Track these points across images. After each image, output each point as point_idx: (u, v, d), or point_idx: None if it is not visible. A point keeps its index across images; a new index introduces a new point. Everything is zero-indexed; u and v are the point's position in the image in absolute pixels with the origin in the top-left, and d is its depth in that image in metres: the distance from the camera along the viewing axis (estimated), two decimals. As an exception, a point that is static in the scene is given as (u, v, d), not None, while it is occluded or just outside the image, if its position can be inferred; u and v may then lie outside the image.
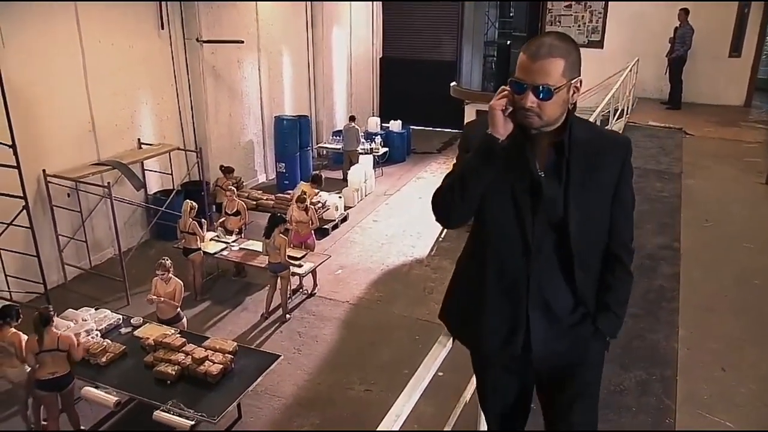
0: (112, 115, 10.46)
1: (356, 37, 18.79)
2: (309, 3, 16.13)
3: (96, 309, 7.66)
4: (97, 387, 6.28)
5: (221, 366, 6.39)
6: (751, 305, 4.59)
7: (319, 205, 11.85)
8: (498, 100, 1.97)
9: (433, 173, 16.07)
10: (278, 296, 8.97)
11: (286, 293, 9.00)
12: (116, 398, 6.17)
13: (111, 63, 10.27)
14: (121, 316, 7.56)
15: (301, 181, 12.14)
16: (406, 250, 11.42)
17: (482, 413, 2.61)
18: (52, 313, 6.15)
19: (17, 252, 8.67)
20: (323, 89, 17.27)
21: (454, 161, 2.27)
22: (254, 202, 12.40)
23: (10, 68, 7.88)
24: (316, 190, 11.70)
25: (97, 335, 7.03)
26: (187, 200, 9.39)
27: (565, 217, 2.02)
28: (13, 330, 6.16)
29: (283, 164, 14.21)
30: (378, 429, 2.25)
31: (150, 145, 11.19)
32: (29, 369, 6.22)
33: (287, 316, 8.98)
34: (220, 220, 10.50)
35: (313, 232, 10.32)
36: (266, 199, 12.34)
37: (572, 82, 1.93)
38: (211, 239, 9.91)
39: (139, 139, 11.11)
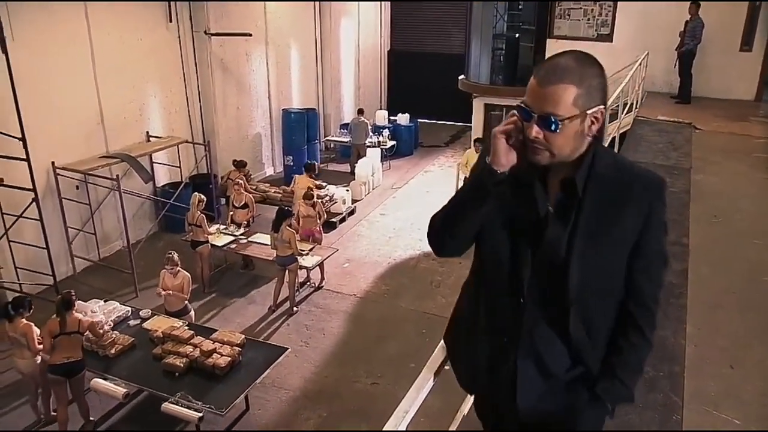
0: (120, 108, 10.50)
1: (364, 29, 18.73)
2: (317, -5, 16.12)
3: (105, 301, 7.72)
4: (106, 379, 6.34)
5: (229, 358, 6.44)
6: (759, 302, 4.58)
7: (327, 198, 11.87)
8: (504, 126, 1.74)
9: (441, 167, 16.04)
10: (286, 289, 9.01)
11: (294, 286, 9.03)
12: (125, 390, 6.22)
13: (119, 56, 10.29)
14: (129, 308, 7.62)
15: (295, 176, 12.04)
16: (414, 243, 11.43)
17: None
18: (74, 297, 6.30)
19: (27, 244, 8.73)
20: (331, 82, 17.25)
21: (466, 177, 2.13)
22: (262, 195, 12.41)
23: (20, 61, 7.90)
24: (317, 181, 11.68)
25: (109, 326, 7.08)
26: (196, 193, 9.43)
27: (565, 265, 1.78)
28: (25, 321, 6.21)
29: (291, 157, 14.22)
30: (387, 424, 2.27)
31: (158, 137, 11.22)
32: (39, 360, 6.28)
33: (294, 309, 9.01)
34: (230, 214, 10.54)
35: (320, 225, 10.34)
36: (274, 192, 12.36)
37: (589, 112, 1.67)
38: (219, 232, 9.94)
39: (147, 132, 11.14)
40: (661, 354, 3.73)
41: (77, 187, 9.73)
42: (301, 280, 9.56)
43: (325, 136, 17.01)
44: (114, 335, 6.88)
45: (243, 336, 6.99)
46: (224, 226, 10.20)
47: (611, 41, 12.92)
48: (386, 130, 16.45)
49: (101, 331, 6.58)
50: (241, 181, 10.54)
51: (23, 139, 7.77)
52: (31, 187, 8.08)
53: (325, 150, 16.87)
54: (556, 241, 1.79)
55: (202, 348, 6.54)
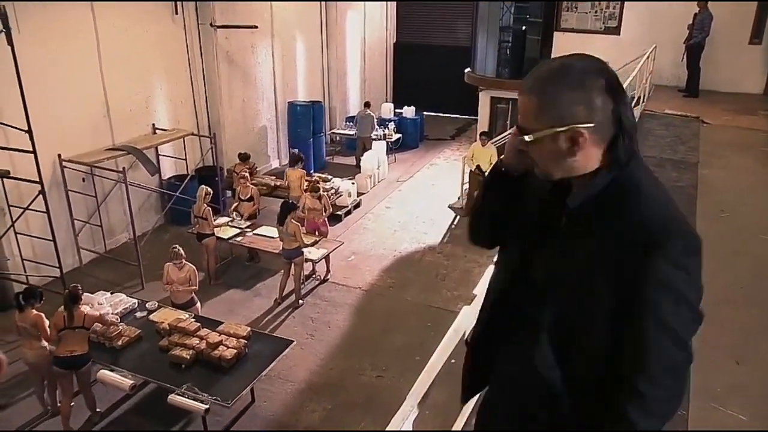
0: (126, 100, 10.51)
1: (370, 22, 18.67)
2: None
3: (111, 293, 7.76)
4: (112, 370, 6.37)
5: (235, 351, 6.46)
6: (766, 298, 4.56)
7: (332, 191, 11.87)
8: None
9: (447, 160, 16.01)
10: (291, 282, 9.02)
11: (300, 279, 9.05)
12: (132, 381, 6.26)
13: (125, 48, 10.29)
14: (136, 301, 7.65)
15: (286, 169, 11.93)
16: (419, 236, 11.43)
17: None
18: (80, 291, 6.33)
19: (34, 236, 8.78)
20: (337, 75, 17.22)
21: None
22: (267, 188, 12.41)
23: (26, 53, 7.91)
24: (303, 170, 11.64)
25: (116, 318, 7.12)
26: (202, 185, 9.43)
27: (541, 287, 1.64)
28: (35, 311, 6.24)
29: (296, 150, 14.19)
30: (395, 417, 2.28)
31: (164, 130, 11.23)
32: (49, 349, 6.32)
33: (300, 301, 9.03)
34: (234, 206, 10.56)
35: (326, 218, 10.35)
36: (280, 186, 12.36)
37: (559, 130, 1.46)
38: (225, 224, 9.97)
39: (153, 124, 11.15)
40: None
41: (83, 180, 9.76)
42: (306, 272, 9.58)
43: (330, 129, 16.99)
44: (121, 327, 6.92)
45: (249, 328, 7.02)
46: (231, 219, 10.22)
47: (618, 34, 12.86)
48: (392, 122, 16.42)
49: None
50: (246, 174, 10.55)
51: (30, 132, 7.79)
52: (37, 179, 8.10)
53: (330, 143, 16.86)
54: (542, 259, 1.65)
55: (209, 340, 6.57)
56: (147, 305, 7.53)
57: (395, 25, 20.31)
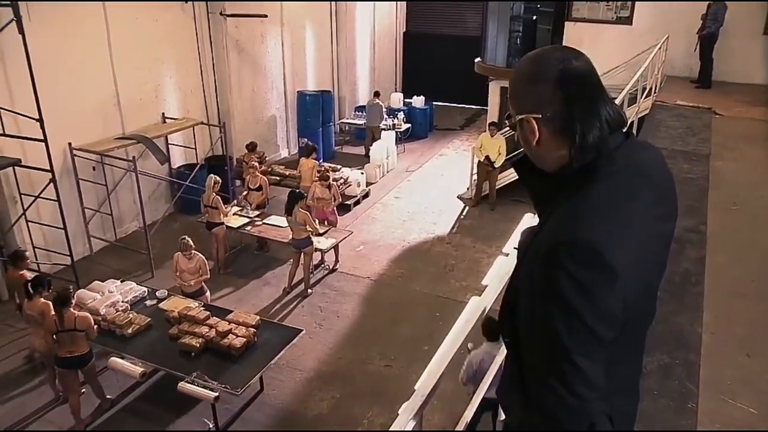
0: (136, 89, 10.53)
1: (380, 11, 18.57)
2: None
3: (122, 281, 7.81)
4: (123, 357, 6.43)
5: (244, 339, 6.50)
6: (777, 291, 4.53)
7: (341, 181, 11.87)
8: None
9: (456, 150, 15.96)
10: (300, 271, 9.05)
11: (309, 268, 9.08)
12: (142, 369, 6.31)
13: (135, 37, 10.30)
14: (146, 289, 7.70)
15: (301, 159, 11.92)
16: (428, 227, 11.42)
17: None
18: (70, 292, 6.20)
19: (44, 224, 8.84)
20: (346, 64, 17.17)
21: None
22: (277, 178, 12.44)
23: (36, 42, 7.92)
24: (325, 164, 11.66)
25: (126, 307, 7.17)
26: (211, 175, 9.46)
27: (513, 282, 1.67)
28: (43, 300, 6.29)
29: (306, 139, 14.18)
30: (404, 406, 2.29)
31: (174, 119, 11.25)
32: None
33: (309, 291, 9.06)
34: (243, 194, 10.59)
35: (335, 208, 10.36)
36: (289, 175, 12.38)
37: (518, 118, 1.52)
38: (234, 213, 10.00)
39: (163, 113, 11.17)
40: (677, 341, 3.71)
41: (94, 168, 9.81)
42: (315, 262, 9.61)
43: (339, 119, 16.97)
44: (131, 315, 6.97)
45: (258, 317, 7.06)
46: (240, 208, 10.25)
47: (631, 24, 12.71)
48: (401, 112, 16.38)
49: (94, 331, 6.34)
50: (256, 164, 10.56)
51: (40, 120, 7.82)
52: (48, 167, 8.14)
53: (339, 132, 16.84)
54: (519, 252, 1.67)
55: (218, 329, 6.61)
56: (157, 293, 7.59)
57: (405, 15, 20.19)
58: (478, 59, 14.27)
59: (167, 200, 11.35)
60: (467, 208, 12.21)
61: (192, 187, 10.52)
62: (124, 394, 6.87)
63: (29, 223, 8.72)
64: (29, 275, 6.95)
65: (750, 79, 11.77)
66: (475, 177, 12.42)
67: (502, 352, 1.95)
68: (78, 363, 6.18)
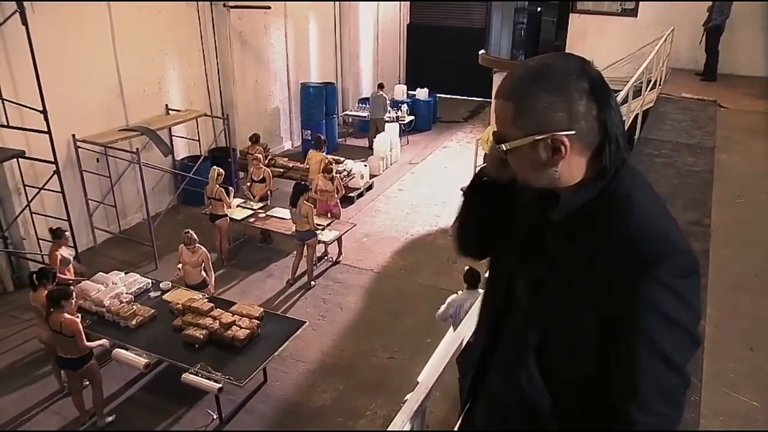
0: (139, 81, 10.52)
1: (383, 2, 18.51)
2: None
3: (126, 273, 7.83)
4: (127, 349, 6.45)
5: (248, 331, 6.52)
6: (781, 284, 4.52)
7: (345, 172, 11.87)
8: None
9: (459, 142, 15.94)
10: (304, 263, 9.07)
11: (312, 261, 9.09)
12: (146, 360, 6.33)
13: (139, 29, 10.29)
14: (150, 281, 7.72)
15: (310, 151, 11.91)
16: (431, 219, 11.42)
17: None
18: (65, 293, 5.98)
19: (49, 216, 8.85)
20: (350, 56, 17.12)
21: None
22: (281, 170, 12.43)
23: (40, 34, 7.92)
24: (328, 155, 11.66)
25: (130, 298, 7.20)
26: (215, 167, 9.46)
27: (528, 309, 1.54)
28: (47, 293, 6.30)
29: (309, 131, 14.18)
30: (408, 397, 2.30)
31: (177, 111, 11.25)
32: None
33: (312, 283, 9.08)
34: (247, 185, 10.60)
35: (338, 200, 10.36)
36: (292, 167, 12.38)
37: (538, 138, 1.34)
38: (237, 206, 10.01)
39: (166, 105, 11.17)
40: (681, 335, 3.71)
41: (98, 160, 9.82)
42: (318, 254, 9.62)
43: (343, 111, 16.94)
44: (135, 307, 6.99)
45: (262, 309, 7.08)
46: (243, 200, 10.26)
47: (636, 16, 12.63)
48: (405, 104, 16.34)
49: (82, 341, 5.95)
50: (260, 156, 10.56)
51: (44, 112, 7.83)
52: (52, 159, 8.16)
53: (343, 124, 16.82)
54: (525, 278, 1.54)
55: (222, 320, 6.63)
56: (161, 285, 7.61)
57: (409, 6, 20.12)
58: (482, 51, 14.21)
59: (171, 192, 11.36)
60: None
61: (195, 179, 10.53)
62: (129, 385, 6.90)
63: (33, 215, 8.73)
64: (66, 252, 7.21)
65: (756, 71, 11.69)
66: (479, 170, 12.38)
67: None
68: (72, 365, 6.05)
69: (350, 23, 16.76)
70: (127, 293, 7.24)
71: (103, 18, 9.65)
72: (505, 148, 1.38)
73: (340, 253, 9.87)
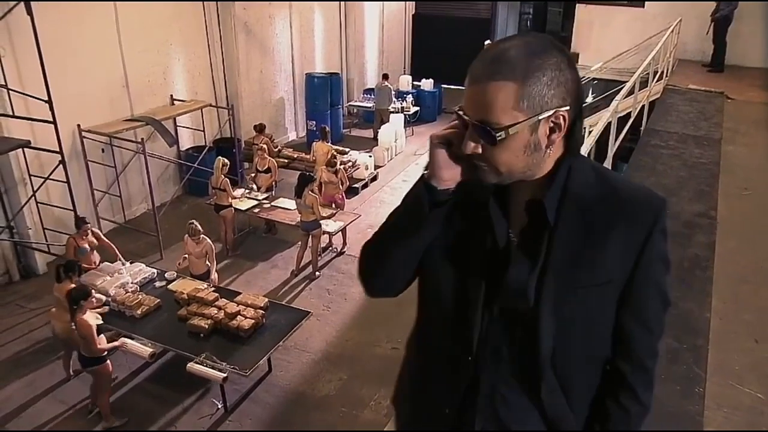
0: (144, 71, 10.51)
1: (389, -7, 18.44)
2: (342, -43, 15.85)
3: (131, 263, 7.85)
4: (132, 338, 6.48)
5: (253, 321, 6.54)
6: (787, 277, 4.51)
7: (349, 163, 11.85)
8: (443, 131, 1.38)
9: (464, 134, 15.86)
10: (308, 254, 9.08)
11: (317, 251, 9.10)
12: (152, 349, 6.35)
13: (144, 18, 10.26)
14: (155, 270, 7.74)
15: (314, 143, 11.89)
16: (435, 211, 11.38)
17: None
18: (80, 293, 5.88)
19: (54, 206, 8.89)
20: (355, 46, 17.06)
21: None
22: (286, 161, 12.45)
23: (45, 24, 7.91)
24: (333, 147, 11.67)
25: (135, 288, 7.23)
26: (220, 157, 9.46)
27: (535, 314, 1.38)
28: (73, 285, 6.28)
29: (314, 122, 14.16)
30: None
31: (182, 101, 11.24)
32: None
33: (317, 273, 9.09)
34: (252, 176, 10.60)
35: (342, 191, 10.36)
36: (297, 158, 12.38)
37: (543, 117, 1.26)
38: (240, 196, 10.02)
39: (171, 95, 11.16)
40: (686, 326, 3.71)
41: (103, 150, 9.82)
42: (323, 245, 9.63)
43: (348, 101, 16.90)
44: (140, 296, 7.02)
45: (266, 299, 7.10)
46: (248, 191, 10.26)
47: (643, 6, 12.57)
48: (410, 95, 16.29)
49: (95, 344, 5.85)
50: (265, 146, 10.56)
51: (49, 102, 7.83)
52: (57, 149, 8.17)
53: (348, 115, 16.78)
54: (520, 283, 1.38)
55: (227, 310, 6.65)
56: (166, 275, 7.62)
57: (414, -3, 20.03)
58: (487, 42, 14.14)
59: (176, 182, 11.38)
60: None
61: (200, 170, 10.53)
62: (134, 374, 6.94)
63: (39, 205, 8.76)
64: (84, 243, 7.33)
65: (764, 62, 11.64)
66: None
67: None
68: (83, 362, 6.05)
69: (355, 13, 16.70)
70: (132, 283, 7.27)
71: (108, 8, 9.63)
72: (502, 136, 1.25)
73: (344, 243, 9.88)
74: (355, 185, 11.96)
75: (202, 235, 7.64)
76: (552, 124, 1.28)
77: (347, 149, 12.56)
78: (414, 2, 19.94)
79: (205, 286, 7.29)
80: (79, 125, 9.24)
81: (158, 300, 7.03)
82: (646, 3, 12.57)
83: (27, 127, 8.18)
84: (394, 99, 15.30)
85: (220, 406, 6.39)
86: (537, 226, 1.37)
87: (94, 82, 9.52)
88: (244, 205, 9.86)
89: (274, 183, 10.61)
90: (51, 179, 8.41)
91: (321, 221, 8.97)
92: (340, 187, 10.15)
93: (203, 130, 11.69)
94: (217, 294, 7.02)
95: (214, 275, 7.82)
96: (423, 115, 16.58)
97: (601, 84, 12.47)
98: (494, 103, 1.25)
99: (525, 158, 1.30)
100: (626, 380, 1.47)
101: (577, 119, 1.32)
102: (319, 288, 8.87)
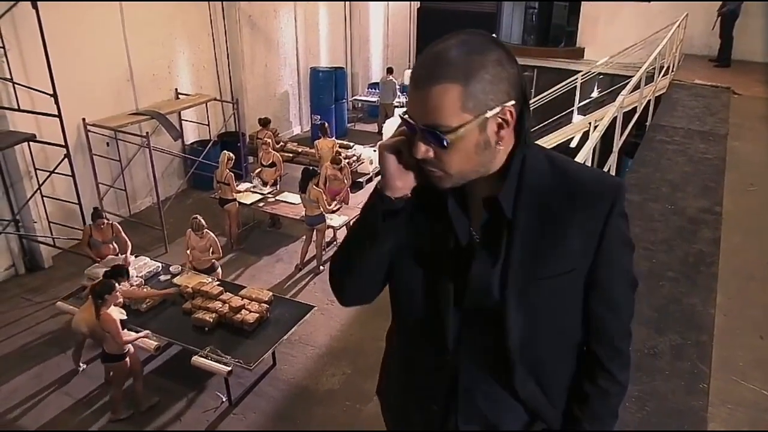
0: (149, 65, 10.52)
1: (394, -14, 18.40)
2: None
3: (136, 256, 7.87)
4: (137, 332, 6.49)
5: (257, 315, 6.55)
6: (793, 273, 4.50)
7: (353, 158, 11.85)
8: (391, 140, 1.36)
9: (469, 128, 15.84)
10: (313, 248, 9.09)
11: (321, 245, 9.11)
12: (156, 343, 6.37)
13: (148, 12, 10.27)
14: (160, 264, 7.76)
15: (316, 141, 11.87)
16: (440, 205, 11.37)
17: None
18: (105, 287, 5.82)
19: (59, 199, 8.92)
20: (359, 41, 17.04)
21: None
22: (290, 155, 12.43)
23: (50, 17, 7.92)
24: (337, 141, 11.68)
25: (140, 282, 7.25)
26: (225, 151, 9.48)
27: (501, 308, 1.38)
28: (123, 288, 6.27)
29: (318, 116, 14.16)
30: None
31: (187, 95, 11.25)
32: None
33: (321, 267, 9.10)
34: (256, 171, 10.61)
35: (347, 188, 10.35)
36: (302, 152, 12.37)
37: (490, 114, 1.24)
38: (245, 190, 10.03)
39: (176, 89, 11.17)
40: (690, 322, 3.70)
41: (107, 144, 9.85)
42: (327, 239, 9.64)
43: (352, 96, 16.88)
44: (145, 290, 7.04)
45: (271, 293, 7.11)
46: (253, 185, 10.27)
47: (648, 1, 12.50)
48: (414, 90, 16.23)
49: (119, 338, 5.83)
50: (269, 140, 10.56)
51: (54, 96, 7.85)
52: (62, 143, 8.19)
53: (352, 109, 16.77)
54: (484, 279, 1.38)
55: (231, 304, 6.66)
56: (170, 269, 7.64)
57: (419, -10, 19.97)
58: (493, 36, 14.11)
59: (180, 176, 11.40)
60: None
61: (205, 164, 10.55)
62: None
63: (44, 198, 8.79)
64: (98, 235, 7.49)
65: (770, 57, 11.57)
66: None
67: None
68: (104, 358, 6.07)
69: (360, 8, 16.67)
70: (137, 276, 7.28)
71: (113, 2, 9.63)
72: (450, 140, 1.23)
73: (348, 238, 9.86)
74: (360, 180, 11.95)
75: (205, 230, 7.65)
76: (500, 120, 1.27)
77: (351, 144, 12.55)
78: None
79: (210, 279, 7.31)
80: (84, 119, 9.26)
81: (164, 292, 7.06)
82: (653, -2, 12.53)
83: (32, 121, 8.20)
84: (398, 93, 15.28)
85: (224, 400, 6.41)
86: (496, 221, 1.37)
87: (98, 76, 9.54)
88: (249, 199, 9.87)
89: (278, 177, 10.62)
90: (56, 173, 8.44)
91: (326, 215, 8.98)
92: (345, 182, 10.14)
93: (208, 124, 11.70)
94: (221, 288, 7.03)
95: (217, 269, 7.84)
96: (427, 110, 16.51)
97: (606, 79, 12.43)
98: (440, 106, 1.22)
99: (477, 158, 1.29)
100: (602, 363, 1.50)
101: (523, 111, 1.31)
102: (323, 282, 8.87)
